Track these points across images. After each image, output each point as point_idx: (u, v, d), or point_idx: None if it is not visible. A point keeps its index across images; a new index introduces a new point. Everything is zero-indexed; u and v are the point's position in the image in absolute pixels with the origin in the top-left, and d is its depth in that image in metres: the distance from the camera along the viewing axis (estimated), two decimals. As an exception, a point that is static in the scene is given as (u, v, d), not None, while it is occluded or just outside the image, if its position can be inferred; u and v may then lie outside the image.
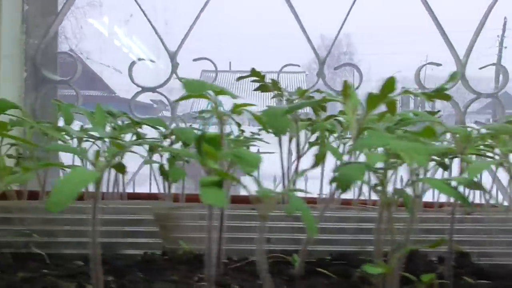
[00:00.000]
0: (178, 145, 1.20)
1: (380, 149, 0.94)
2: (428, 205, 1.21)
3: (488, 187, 1.33)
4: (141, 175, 1.73)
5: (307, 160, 1.23)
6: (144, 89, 1.94)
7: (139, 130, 1.23)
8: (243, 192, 1.52)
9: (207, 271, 0.73)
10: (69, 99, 2.10)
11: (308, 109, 1.27)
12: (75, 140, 1.22)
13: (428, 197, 1.18)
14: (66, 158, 1.61)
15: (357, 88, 1.90)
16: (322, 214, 0.88)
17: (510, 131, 0.89)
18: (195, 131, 1.09)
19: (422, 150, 0.63)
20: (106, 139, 1.16)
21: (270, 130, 1.32)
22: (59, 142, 1.26)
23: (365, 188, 1.26)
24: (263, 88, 1.32)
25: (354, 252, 1.06)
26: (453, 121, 1.93)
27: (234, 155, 0.63)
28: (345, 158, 1.08)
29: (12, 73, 1.79)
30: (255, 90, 1.33)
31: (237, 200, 1.14)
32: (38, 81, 1.92)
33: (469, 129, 0.86)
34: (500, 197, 1.43)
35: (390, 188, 0.80)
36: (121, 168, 0.79)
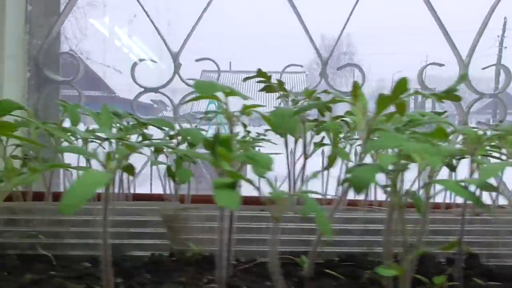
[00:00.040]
0: (183, 146, 1.20)
1: (389, 150, 0.95)
2: (435, 206, 1.20)
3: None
4: (142, 175, 1.73)
5: (310, 160, 1.23)
6: (147, 90, 1.94)
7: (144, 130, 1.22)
8: (244, 193, 1.52)
9: (219, 272, 0.73)
10: (70, 100, 2.10)
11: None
12: (80, 141, 1.22)
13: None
14: (69, 158, 1.61)
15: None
16: (331, 215, 0.87)
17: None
18: (201, 132, 1.09)
19: (435, 151, 0.63)
20: (112, 140, 1.16)
21: (276, 131, 1.33)
22: (64, 143, 1.26)
23: (371, 189, 1.25)
24: (268, 88, 1.32)
25: (362, 253, 1.06)
26: (455, 121, 1.93)
27: (247, 157, 0.62)
28: (352, 159, 1.08)
29: (16, 73, 1.79)
30: (260, 90, 1.33)
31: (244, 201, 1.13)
32: (40, 81, 1.92)
33: (478, 130, 0.86)
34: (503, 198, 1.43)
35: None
36: (130, 170, 0.79)
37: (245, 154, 0.63)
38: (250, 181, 0.60)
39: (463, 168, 1.08)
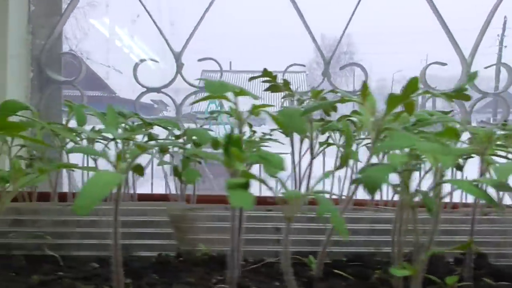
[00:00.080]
0: (187, 146, 1.20)
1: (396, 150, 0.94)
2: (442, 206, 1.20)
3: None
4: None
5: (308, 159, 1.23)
6: (149, 89, 1.94)
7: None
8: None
9: (230, 272, 0.73)
10: (72, 100, 2.09)
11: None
12: (84, 141, 1.21)
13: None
14: (72, 159, 1.60)
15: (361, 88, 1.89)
16: (341, 215, 0.87)
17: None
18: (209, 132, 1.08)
19: (448, 151, 0.62)
20: (118, 140, 1.15)
21: (282, 131, 1.32)
22: (70, 143, 1.26)
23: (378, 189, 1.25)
24: (274, 88, 1.31)
25: (370, 253, 1.06)
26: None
27: (259, 156, 0.62)
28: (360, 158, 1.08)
29: (19, 74, 1.79)
30: (265, 90, 1.33)
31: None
32: (42, 81, 1.92)
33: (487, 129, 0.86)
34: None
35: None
36: (139, 170, 0.79)
37: (258, 154, 0.63)
38: (263, 181, 0.59)
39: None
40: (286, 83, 1.27)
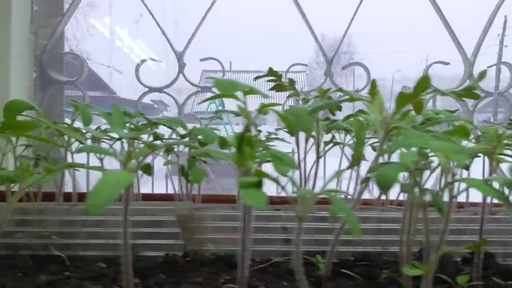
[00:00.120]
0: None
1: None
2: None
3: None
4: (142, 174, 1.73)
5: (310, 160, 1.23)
6: (151, 89, 1.93)
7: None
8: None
9: (240, 272, 0.72)
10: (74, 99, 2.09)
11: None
12: (89, 141, 1.21)
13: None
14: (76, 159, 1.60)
15: (364, 88, 1.90)
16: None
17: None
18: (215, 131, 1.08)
19: (461, 150, 0.62)
20: (123, 140, 1.15)
21: (287, 130, 1.32)
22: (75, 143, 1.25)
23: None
24: (279, 87, 1.31)
25: (377, 252, 1.05)
26: (458, 120, 1.92)
27: (271, 155, 0.62)
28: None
29: (22, 74, 1.78)
30: (270, 89, 1.32)
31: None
32: (44, 81, 1.91)
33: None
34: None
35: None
36: (148, 169, 0.78)
37: (269, 153, 0.63)
38: (276, 180, 0.59)
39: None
40: (291, 82, 1.27)
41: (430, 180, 0.91)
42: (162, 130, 1.29)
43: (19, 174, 0.98)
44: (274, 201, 1.09)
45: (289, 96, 1.35)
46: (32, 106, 1.09)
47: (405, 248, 0.88)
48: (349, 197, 1.13)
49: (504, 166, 0.95)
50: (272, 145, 1.24)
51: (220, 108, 2.66)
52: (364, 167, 1.41)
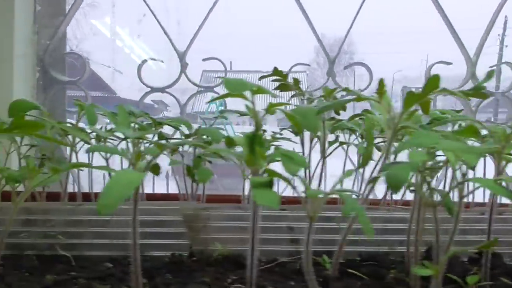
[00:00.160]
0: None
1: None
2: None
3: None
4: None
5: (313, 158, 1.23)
6: (153, 90, 1.93)
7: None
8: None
9: (249, 272, 0.72)
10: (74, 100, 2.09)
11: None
12: (93, 141, 1.21)
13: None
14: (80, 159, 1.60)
15: (366, 87, 1.91)
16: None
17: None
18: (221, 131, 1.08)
19: (471, 150, 0.62)
20: (128, 139, 1.15)
21: (292, 130, 1.32)
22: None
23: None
24: (284, 87, 1.31)
25: (383, 252, 1.05)
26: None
27: (282, 154, 0.62)
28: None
29: (25, 73, 1.78)
30: (275, 89, 1.32)
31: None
32: (46, 81, 1.91)
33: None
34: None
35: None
36: (156, 169, 0.78)
37: (279, 152, 0.63)
38: (287, 180, 0.59)
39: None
40: (296, 82, 1.27)
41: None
42: (164, 129, 1.29)
43: (25, 174, 0.98)
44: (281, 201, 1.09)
45: (293, 96, 1.35)
46: (37, 106, 1.09)
47: (412, 248, 0.88)
48: (354, 196, 1.13)
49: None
50: (278, 145, 1.24)
51: (220, 108, 2.66)
52: (367, 167, 1.42)
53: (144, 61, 1.91)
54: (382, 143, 1.13)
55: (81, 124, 1.22)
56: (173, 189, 1.63)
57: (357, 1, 1.94)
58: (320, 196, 0.61)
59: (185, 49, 1.94)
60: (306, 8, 1.93)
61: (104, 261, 1.02)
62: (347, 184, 1.41)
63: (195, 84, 1.97)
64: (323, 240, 1.07)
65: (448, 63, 1.96)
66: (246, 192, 1.25)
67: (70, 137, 1.22)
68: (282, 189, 1.19)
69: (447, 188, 1.17)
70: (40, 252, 1.05)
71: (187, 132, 1.24)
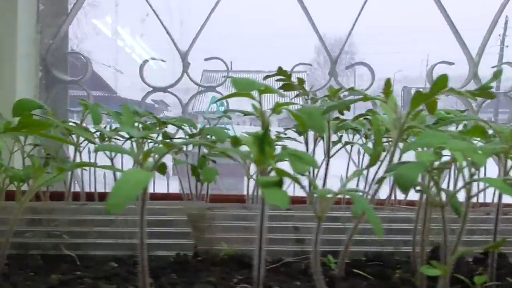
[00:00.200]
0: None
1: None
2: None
3: None
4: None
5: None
6: (156, 89, 1.93)
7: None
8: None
9: (256, 272, 0.72)
10: (76, 99, 2.09)
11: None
12: (96, 140, 1.21)
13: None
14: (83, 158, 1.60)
15: (368, 87, 1.91)
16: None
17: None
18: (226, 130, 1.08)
19: (480, 150, 0.62)
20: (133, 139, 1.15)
21: (296, 130, 1.32)
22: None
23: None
24: (288, 87, 1.31)
25: (389, 252, 1.05)
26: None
27: (291, 154, 0.61)
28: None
29: (28, 73, 1.78)
30: (280, 88, 1.32)
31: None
32: (49, 81, 1.91)
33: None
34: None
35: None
36: (162, 169, 0.78)
37: (287, 151, 0.63)
38: (296, 179, 0.59)
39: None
40: (301, 82, 1.27)
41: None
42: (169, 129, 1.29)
43: (30, 173, 0.98)
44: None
45: (296, 96, 1.35)
46: (41, 105, 1.09)
47: (418, 248, 0.88)
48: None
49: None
50: (281, 145, 1.24)
51: (221, 108, 2.66)
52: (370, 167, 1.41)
53: (146, 61, 1.91)
54: (386, 143, 1.13)
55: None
56: (173, 189, 1.63)
57: (357, 1, 1.94)
58: (329, 196, 0.61)
59: (187, 49, 1.94)
60: (307, 8, 1.93)
61: (108, 261, 1.02)
62: (349, 184, 1.41)
63: (197, 84, 1.97)
64: (328, 240, 1.07)
65: (450, 63, 1.96)
66: (250, 192, 1.25)
67: (73, 136, 1.22)
68: (284, 188, 1.19)
69: (450, 188, 1.18)
70: (44, 252, 1.05)
71: (189, 131, 1.24)
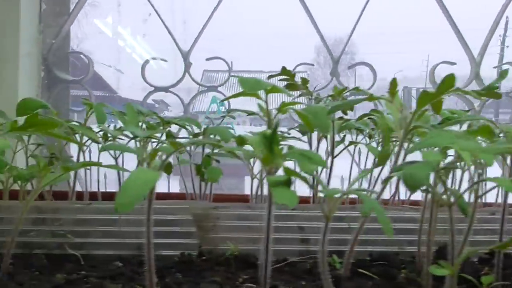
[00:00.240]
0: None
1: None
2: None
3: None
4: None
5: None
6: (157, 89, 1.93)
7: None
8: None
9: (263, 271, 0.72)
10: (77, 99, 2.09)
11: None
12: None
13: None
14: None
15: (370, 87, 1.91)
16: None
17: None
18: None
19: (488, 149, 0.62)
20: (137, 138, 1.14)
21: (299, 129, 1.32)
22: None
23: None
24: (291, 86, 1.31)
25: (393, 252, 1.05)
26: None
27: (299, 154, 0.61)
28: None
29: (30, 73, 1.78)
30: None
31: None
32: (50, 80, 1.91)
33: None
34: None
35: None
36: (169, 168, 0.78)
37: (295, 151, 0.62)
38: (305, 179, 0.59)
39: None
40: (305, 82, 1.27)
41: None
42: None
43: (35, 172, 0.98)
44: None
45: (300, 95, 1.35)
46: (45, 105, 1.08)
47: (424, 248, 0.88)
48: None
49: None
50: (285, 144, 1.24)
51: (221, 108, 2.66)
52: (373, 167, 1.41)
53: (147, 61, 1.91)
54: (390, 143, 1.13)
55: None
56: (174, 188, 1.63)
57: (357, 1, 1.94)
58: (337, 195, 0.61)
59: (189, 49, 1.94)
60: (309, 8, 1.93)
61: (113, 260, 1.02)
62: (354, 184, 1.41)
63: (198, 84, 1.97)
64: (333, 239, 1.06)
65: (452, 63, 1.96)
66: (254, 191, 1.25)
67: (77, 136, 1.22)
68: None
69: (453, 188, 1.18)
70: (49, 251, 1.05)
71: (192, 131, 1.24)
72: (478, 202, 1.20)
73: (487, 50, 2.00)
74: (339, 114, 1.25)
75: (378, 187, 1.15)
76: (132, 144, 1.17)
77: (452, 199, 0.70)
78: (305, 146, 1.27)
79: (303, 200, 1.06)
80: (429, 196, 0.87)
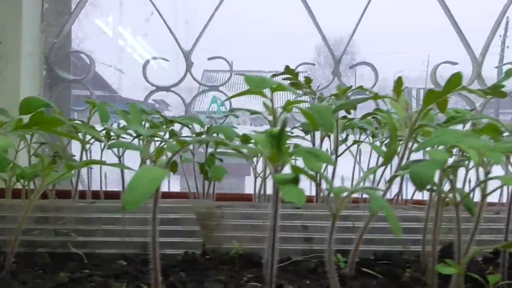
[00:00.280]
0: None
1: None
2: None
3: None
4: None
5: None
6: (158, 88, 1.93)
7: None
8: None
9: (269, 270, 0.71)
10: (78, 99, 2.09)
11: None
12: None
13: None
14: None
15: (372, 87, 1.90)
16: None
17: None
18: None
19: (496, 148, 0.62)
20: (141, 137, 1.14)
21: (302, 128, 1.32)
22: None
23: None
24: (294, 86, 1.31)
25: (397, 251, 1.05)
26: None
27: (305, 152, 0.61)
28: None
29: (32, 72, 1.78)
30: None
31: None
32: (52, 80, 1.91)
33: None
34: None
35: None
36: (174, 166, 0.78)
37: (302, 149, 0.62)
38: (312, 177, 0.59)
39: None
40: (308, 81, 1.27)
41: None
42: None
43: (38, 171, 0.98)
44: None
45: (303, 95, 1.35)
46: (48, 104, 1.08)
47: (428, 247, 0.87)
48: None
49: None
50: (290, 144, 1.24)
51: (221, 108, 2.66)
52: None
53: (148, 61, 1.91)
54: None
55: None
56: (174, 187, 1.62)
57: (357, 2, 1.94)
58: (344, 194, 0.61)
59: (190, 48, 1.94)
60: (310, 8, 1.93)
61: (116, 259, 1.01)
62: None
63: (200, 83, 1.97)
64: (337, 238, 1.06)
65: (454, 63, 1.96)
66: (257, 190, 1.25)
67: (79, 135, 1.22)
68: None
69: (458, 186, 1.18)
70: (52, 250, 1.05)
71: (195, 130, 1.24)
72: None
73: (488, 50, 2.00)
74: (342, 113, 1.25)
75: (380, 187, 1.15)
76: (135, 143, 1.16)
77: (458, 198, 0.70)
78: (308, 145, 1.27)
79: (307, 199, 1.05)
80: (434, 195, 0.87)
